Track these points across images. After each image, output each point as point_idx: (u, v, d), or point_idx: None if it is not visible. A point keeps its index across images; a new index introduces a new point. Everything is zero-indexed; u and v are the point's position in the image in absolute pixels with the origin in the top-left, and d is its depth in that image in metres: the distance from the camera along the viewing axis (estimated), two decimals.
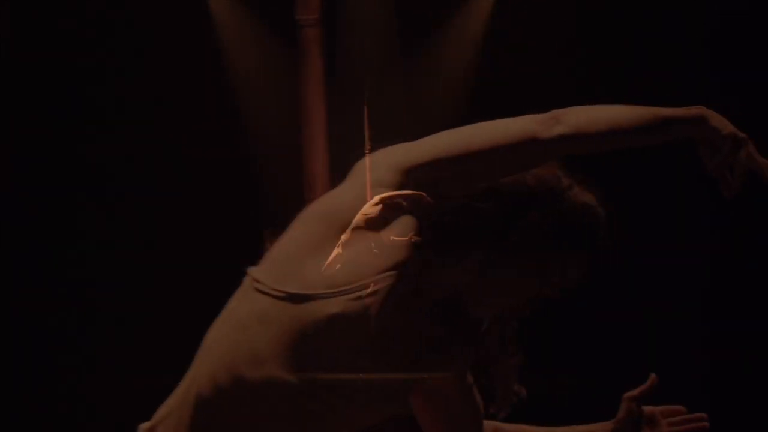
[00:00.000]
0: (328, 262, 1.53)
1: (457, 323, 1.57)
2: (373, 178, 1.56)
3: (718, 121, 1.58)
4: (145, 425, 1.65)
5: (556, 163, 1.62)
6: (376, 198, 1.48)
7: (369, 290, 1.52)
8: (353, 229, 1.55)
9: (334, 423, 1.57)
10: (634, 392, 1.81)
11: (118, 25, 4.94)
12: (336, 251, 1.55)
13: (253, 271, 1.60)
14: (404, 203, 1.46)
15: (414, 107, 7.19)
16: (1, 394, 4.61)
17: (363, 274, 1.53)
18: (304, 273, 1.55)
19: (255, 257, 1.67)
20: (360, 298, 1.52)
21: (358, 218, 1.47)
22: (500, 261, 1.56)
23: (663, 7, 5.38)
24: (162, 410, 1.65)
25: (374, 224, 1.54)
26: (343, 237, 1.54)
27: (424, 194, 1.50)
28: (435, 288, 1.56)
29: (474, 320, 1.60)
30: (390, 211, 1.47)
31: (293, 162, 5.99)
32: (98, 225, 4.78)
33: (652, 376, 1.77)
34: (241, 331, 1.55)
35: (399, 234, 1.54)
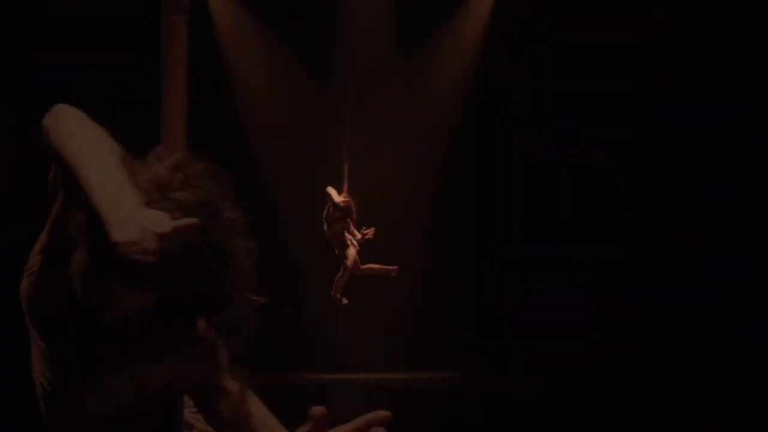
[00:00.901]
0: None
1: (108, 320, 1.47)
2: None
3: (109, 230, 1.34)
4: None
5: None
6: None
7: (29, 271, 1.53)
8: (59, 207, 1.51)
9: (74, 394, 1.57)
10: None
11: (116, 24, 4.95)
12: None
13: None
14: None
15: (414, 107, 7.18)
16: (1, 394, 4.62)
17: (35, 253, 1.54)
18: None
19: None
20: (26, 276, 1.54)
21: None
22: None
23: (662, 8, 5.38)
24: None
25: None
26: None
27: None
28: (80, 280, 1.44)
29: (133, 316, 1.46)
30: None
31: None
32: None
33: (314, 411, 1.39)
34: None
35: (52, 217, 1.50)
